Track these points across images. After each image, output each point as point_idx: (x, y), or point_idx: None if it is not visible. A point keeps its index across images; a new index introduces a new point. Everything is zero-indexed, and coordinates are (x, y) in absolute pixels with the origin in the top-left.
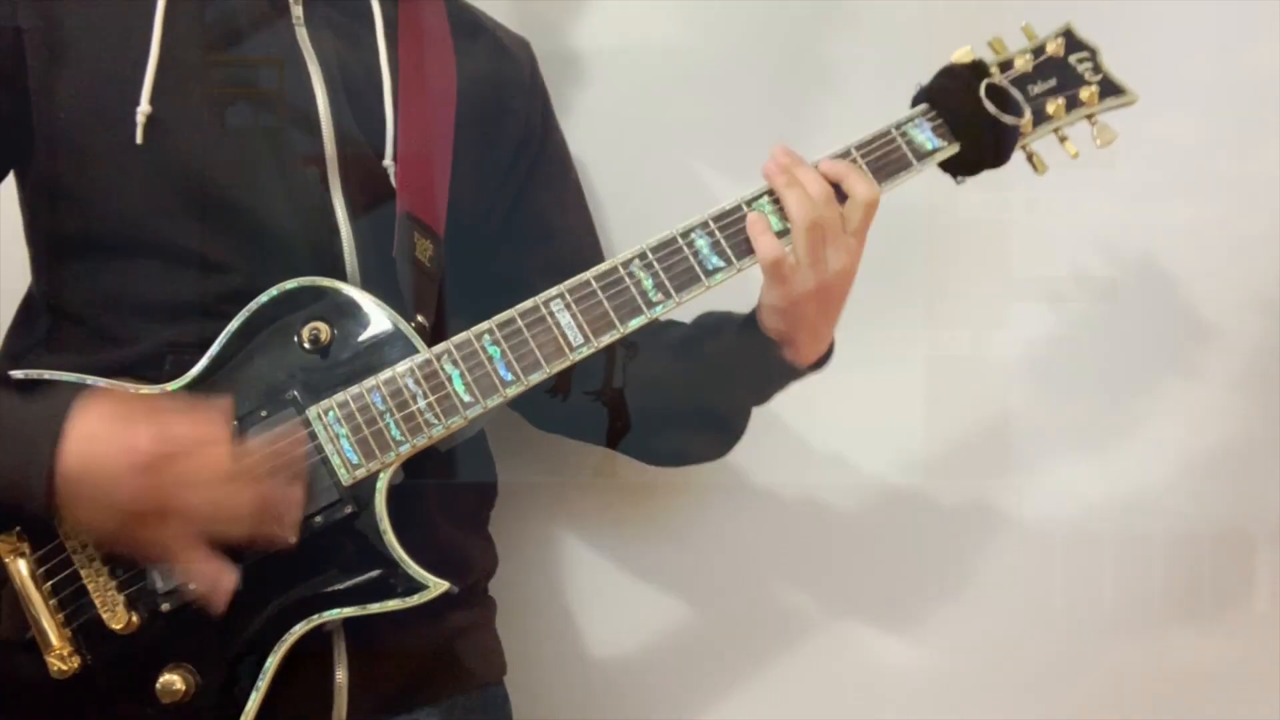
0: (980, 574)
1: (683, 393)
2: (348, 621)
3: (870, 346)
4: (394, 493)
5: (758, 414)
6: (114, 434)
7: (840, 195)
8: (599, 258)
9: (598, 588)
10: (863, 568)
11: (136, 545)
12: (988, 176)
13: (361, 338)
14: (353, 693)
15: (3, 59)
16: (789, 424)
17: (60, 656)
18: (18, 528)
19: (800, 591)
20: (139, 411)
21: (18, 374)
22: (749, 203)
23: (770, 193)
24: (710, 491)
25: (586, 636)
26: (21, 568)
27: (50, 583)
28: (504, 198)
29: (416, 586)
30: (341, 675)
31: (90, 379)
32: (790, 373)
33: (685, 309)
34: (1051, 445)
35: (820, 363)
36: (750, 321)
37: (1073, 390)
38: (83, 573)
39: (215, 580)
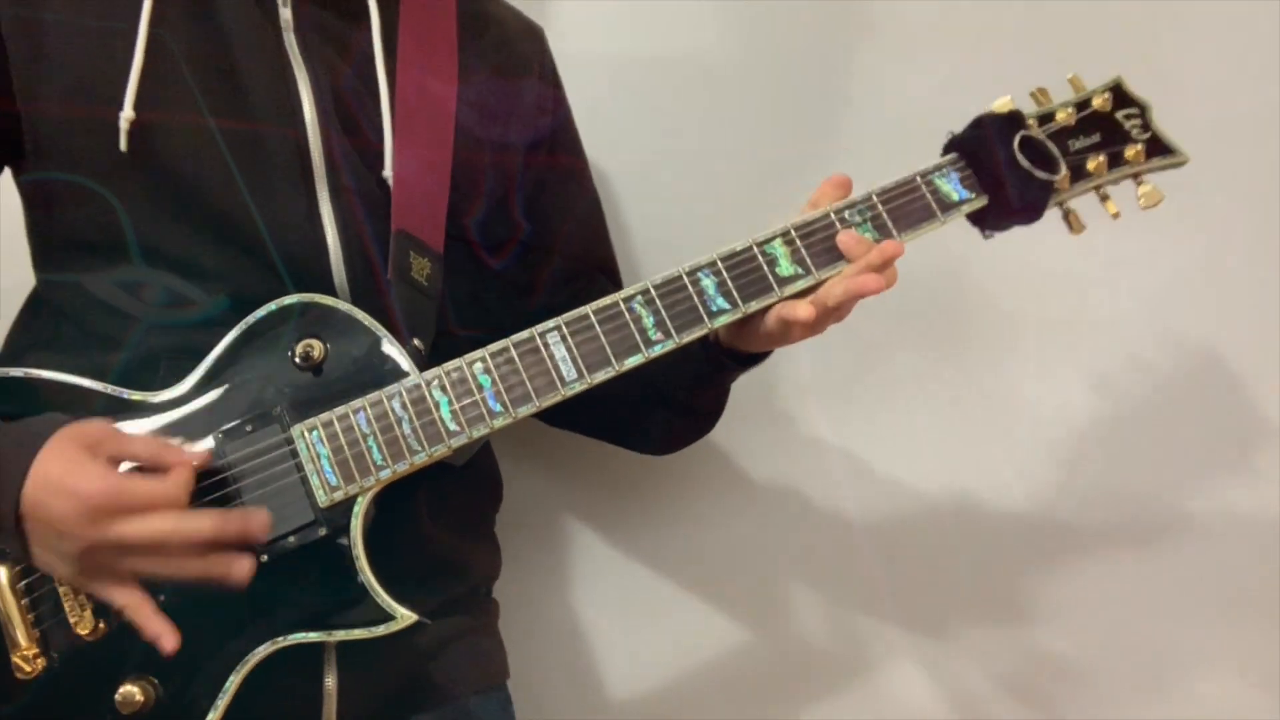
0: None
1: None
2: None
3: (910, 393)
4: (385, 503)
5: (784, 439)
6: (65, 480)
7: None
8: (611, 262)
9: (603, 589)
10: (871, 580)
11: (90, 591)
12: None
13: (355, 358)
14: (342, 699)
15: None
16: (804, 434)
17: (25, 658)
18: None
19: (807, 595)
20: (109, 435)
21: (15, 372)
22: (760, 245)
23: (784, 235)
24: (720, 493)
25: (591, 639)
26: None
27: (25, 581)
28: (516, 200)
29: (384, 617)
30: (331, 681)
31: (86, 381)
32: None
33: None
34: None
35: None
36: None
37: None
38: None
39: (157, 636)
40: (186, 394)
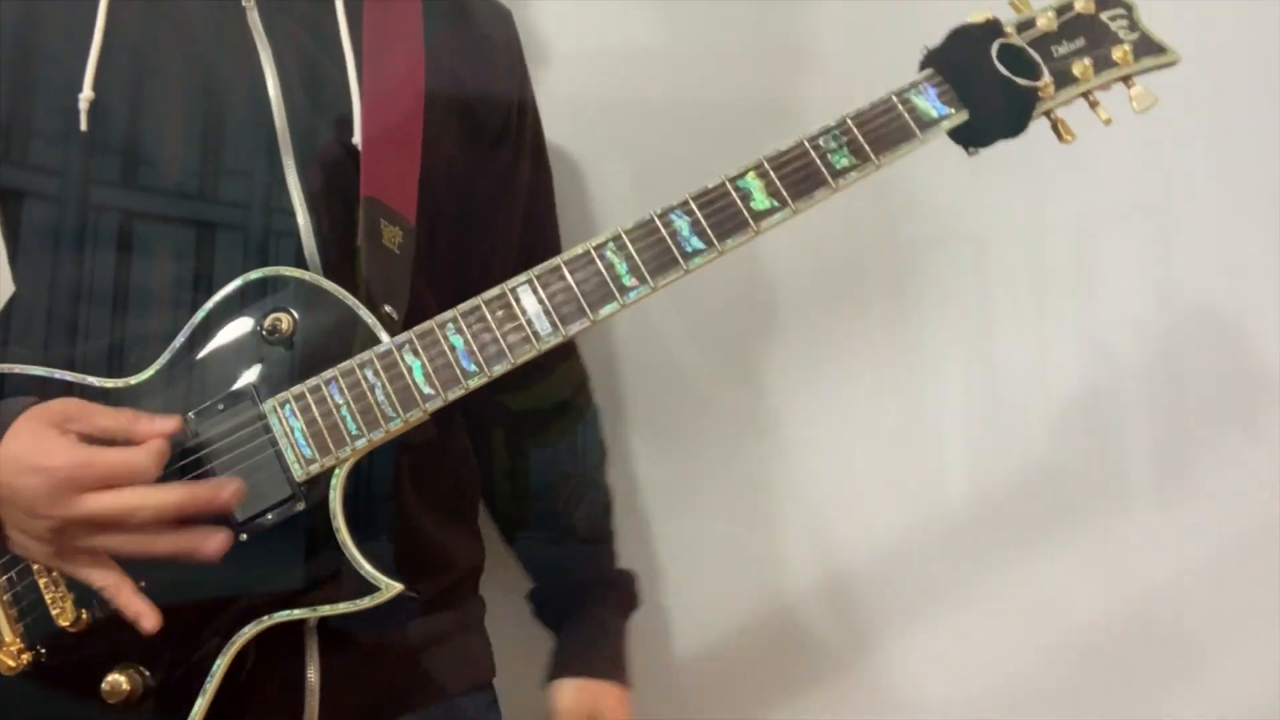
0: (994, 614)
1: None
2: (320, 619)
3: (899, 369)
4: (364, 485)
5: (774, 428)
6: (34, 457)
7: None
8: (557, 245)
9: None
10: (870, 587)
11: (67, 572)
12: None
13: (324, 328)
14: (324, 695)
15: None
16: (792, 425)
17: (10, 653)
18: None
19: (800, 595)
20: (81, 420)
21: None
22: (733, 180)
23: (757, 168)
24: (713, 490)
25: None
26: None
27: (4, 576)
28: (483, 182)
29: (368, 588)
30: (313, 675)
31: (59, 373)
32: None
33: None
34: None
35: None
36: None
37: (1109, 431)
38: (35, 568)
39: (137, 616)
40: (157, 377)
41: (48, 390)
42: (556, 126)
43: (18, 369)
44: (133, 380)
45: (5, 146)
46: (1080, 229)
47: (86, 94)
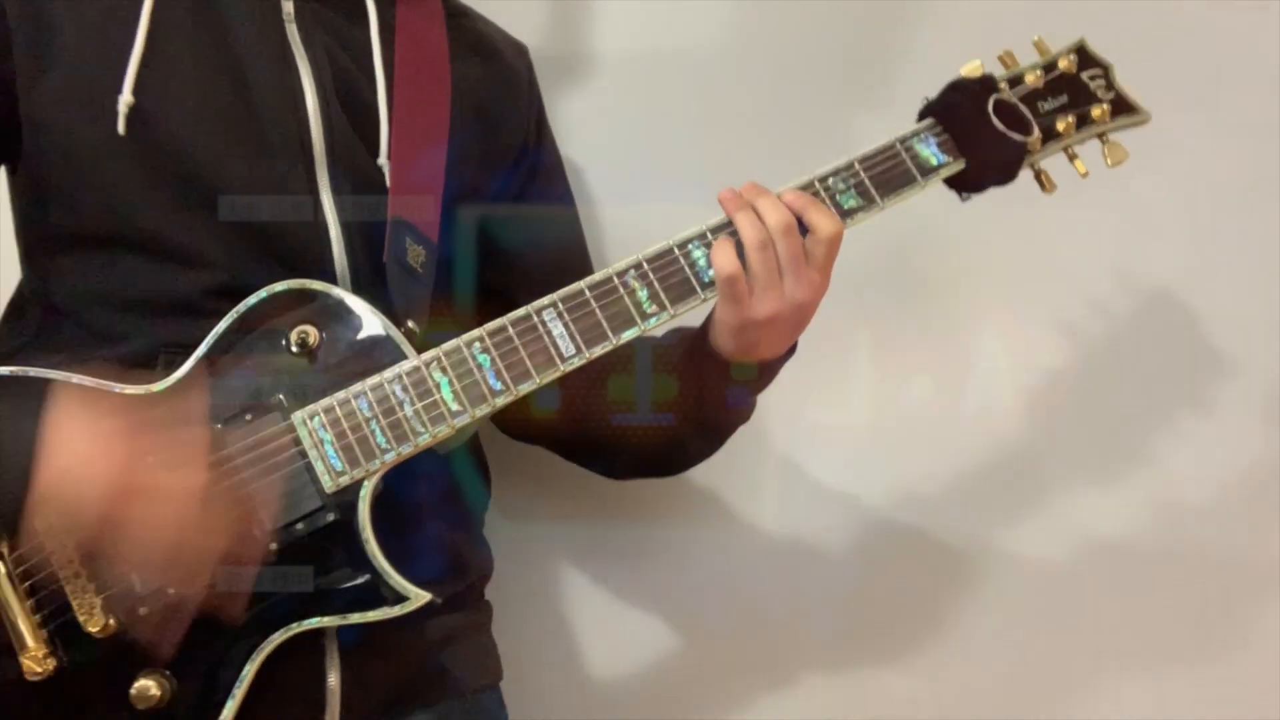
0: (978, 603)
1: (630, 409)
2: (340, 626)
3: (877, 365)
4: (387, 494)
5: (763, 429)
6: (90, 445)
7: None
8: (589, 271)
9: (594, 592)
10: (859, 582)
11: (108, 559)
12: (1001, 194)
13: (350, 342)
14: (345, 697)
15: None
16: (788, 437)
17: (35, 659)
18: None
19: (797, 600)
20: (117, 424)
21: (4, 370)
22: None
23: None
24: (711, 498)
25: (582, 642)
26: None
27: (28, 583)
28: (499, 207)
29: (398, 597)
30: (334, 679)
31: (77, 377)
32: (738, 389)
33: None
34: (1057, 473)
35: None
36: (700, 340)
37: (1080, 418)
38: (60, 574)
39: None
40: (181, 385)
41: (72, 395)
42: (578, 140)
43: (40, 372)
44: (156, 387)
45: (43, 148)
46: (1045, 218)
47: (126, 98)
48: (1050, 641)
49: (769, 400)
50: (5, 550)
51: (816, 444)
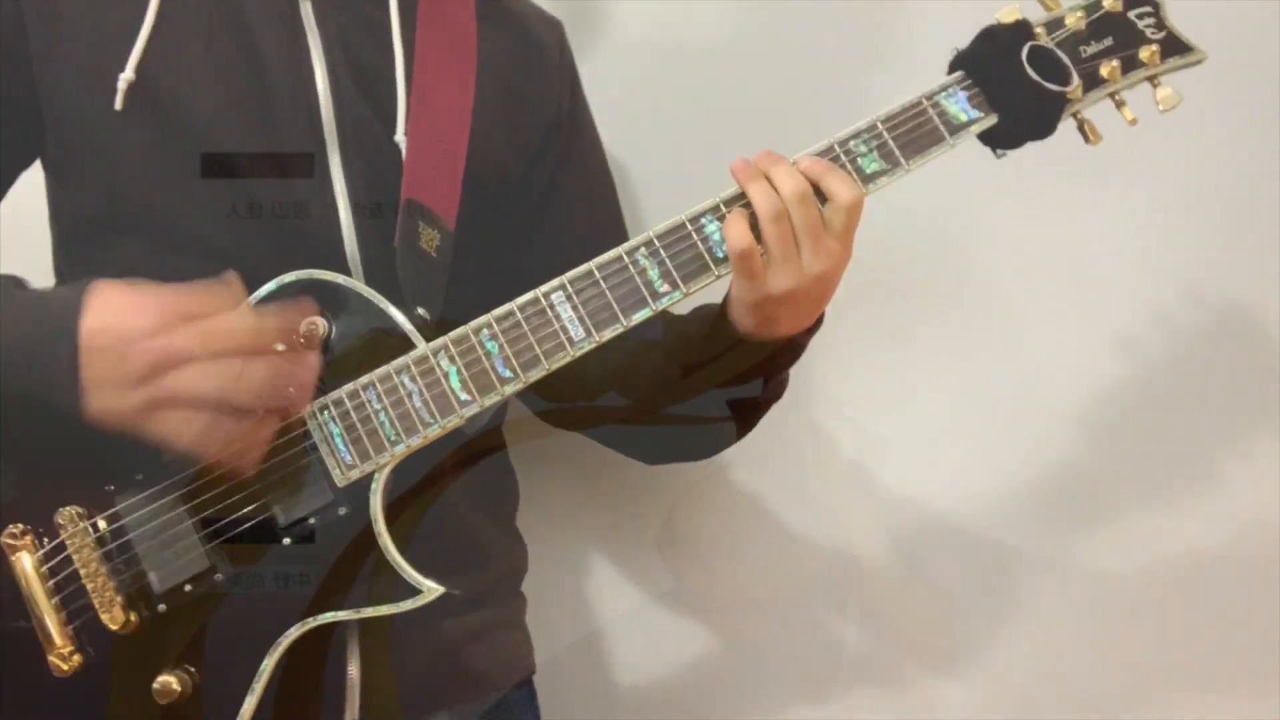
0: (1007, 603)
1: (656, 391)
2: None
3: (920, 367)
4: (405, 486)
5: (799, 425)
6: (130, 299)
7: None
8: None
9: (629, 588)
10: (895, 585)
11: (155, 430)
12: (1066, 191)
13: (360, 333)
14: (366, 690)
15: (6, 39)
16: (827, 438)
17: (61, 655)
18: (20, 525)
19: (834, 602)
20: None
21: None
22: None
23: None
24: (751, 497)
25: (617, 636)
26: (26, 564)
27: (53, 580)
28: (531, 188)
29: (410, 591)
30: (354, 671)
31: None
32: (761, 367)
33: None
34: (1107, 482)
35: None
36: (720, 317)
37: (1133, 427)
38: (81, 572)
39: (250, 438)
40: None
41: None
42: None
43: None
44: None
45: (60, 130)
46: (1091, 220)
47: (128, 75)
48: (1093, 652)
49: (812, 401)
50: (31, 545)
51: (863, 448)
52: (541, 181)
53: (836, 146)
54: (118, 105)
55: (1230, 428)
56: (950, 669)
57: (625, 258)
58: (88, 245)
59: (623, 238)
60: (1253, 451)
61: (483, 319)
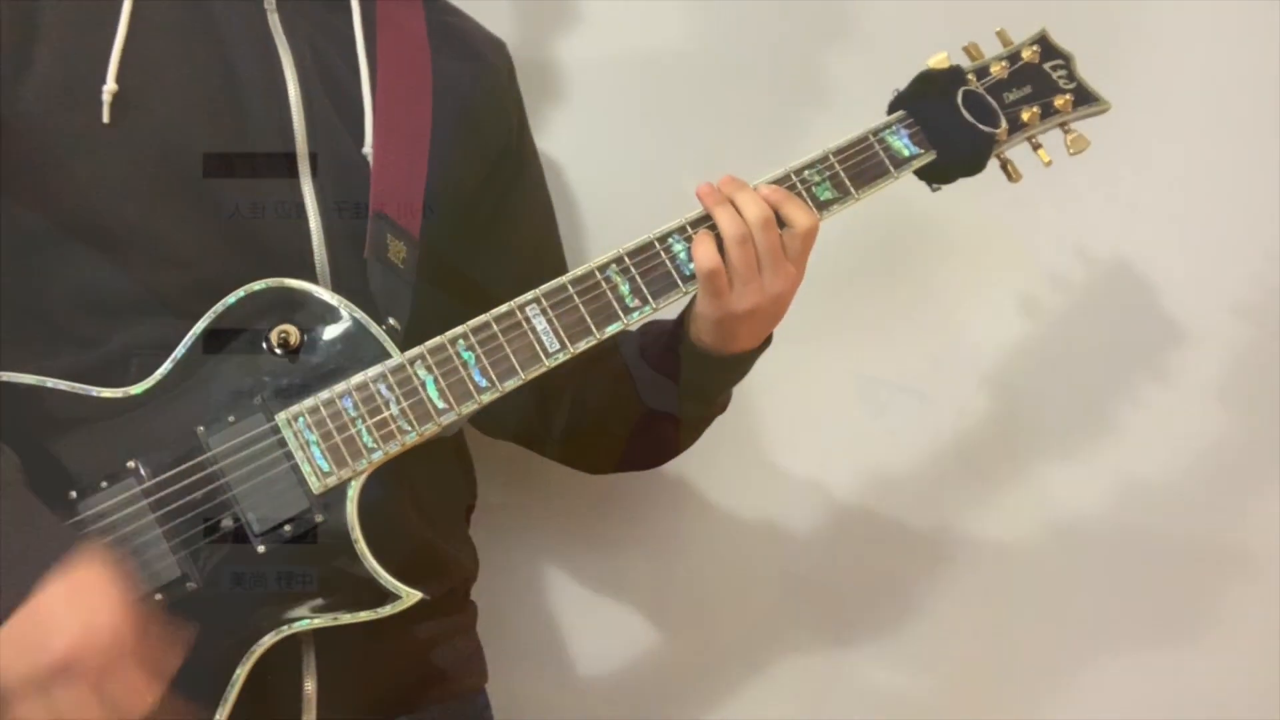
0: (955, 584)
1: (608, 402)
2: (316, 631)
3: (851, 353)
4: (368, 494)
5: (740, 420)
6: (74, 615)
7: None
8: (564, 269)
9: (581, 593)
10: (843, 575)
11: None
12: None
13: (332, 341)
14: (322, 704)
15: None
16: (766, 432)
17: None
18: None
19: (782, 598)
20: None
21: None
22: None
23: None
24: (694, 496)
25: (569, 642)
26: None
27: None
28: (480, 208)
29: (389, 596)
30: (310, 686)
31: (50, 381)
32: (719, 380)
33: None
34: (1030, 452)
35: (747, 360)
36: (678, 333)
37: (1050, 395)
38: None
39: None
40: (159, 388)
41: (43, 400)
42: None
43: (11, 377)
44: (134, 390)
45: (23, 142)
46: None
47: (110, 86)
48: (1022, 623)
49: (749, 393)
50: None
51: (797, 435)
52: (490, 202)
53: (793, 175)
54: (105, 118)
55: (1136, 393)
56: (896, 651)
57: (598, 273)
58: (49, 260)
59: (562, 256)
60: (1155, 415)
61: (458, 329)
